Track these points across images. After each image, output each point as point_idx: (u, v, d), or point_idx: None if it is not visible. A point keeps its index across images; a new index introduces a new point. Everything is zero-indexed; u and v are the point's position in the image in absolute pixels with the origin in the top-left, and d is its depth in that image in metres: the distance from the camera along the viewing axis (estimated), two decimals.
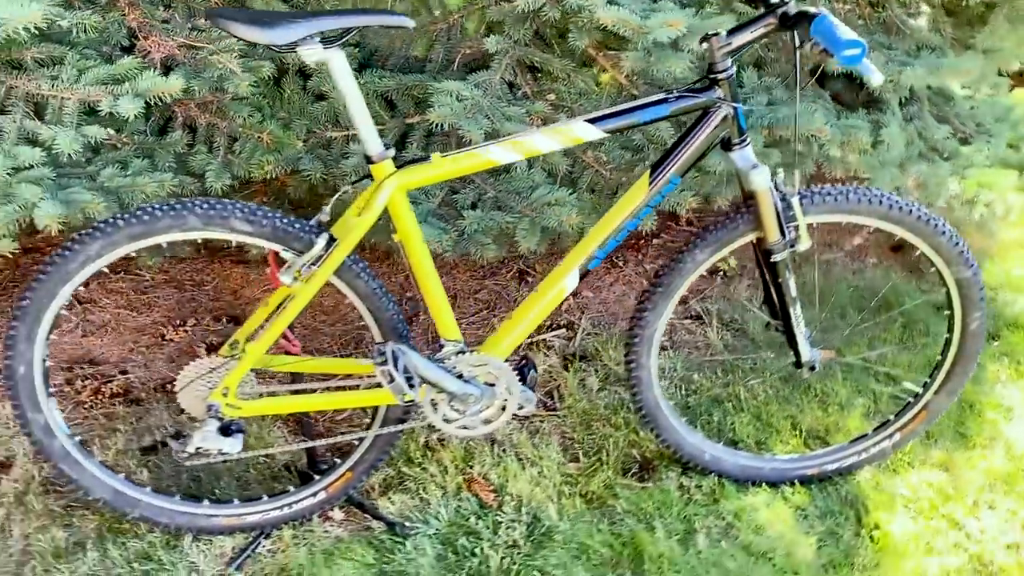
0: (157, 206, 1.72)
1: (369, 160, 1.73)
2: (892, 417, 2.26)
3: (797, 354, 2.05)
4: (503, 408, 1.99)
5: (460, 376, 1.94)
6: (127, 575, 1.96)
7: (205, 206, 1.72)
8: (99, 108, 2.05)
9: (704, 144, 1.82)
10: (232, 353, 1.95)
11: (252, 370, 1.91)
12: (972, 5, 2.69)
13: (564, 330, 2.79)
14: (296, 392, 1.94)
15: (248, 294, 2.87)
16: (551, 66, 2.51)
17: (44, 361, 1.82)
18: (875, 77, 1.48)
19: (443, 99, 2.29)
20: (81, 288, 1.85)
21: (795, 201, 1.84)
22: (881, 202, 1.89)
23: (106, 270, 1.78)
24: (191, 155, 2.35)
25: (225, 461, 2.01)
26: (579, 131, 1.76)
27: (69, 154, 2.01)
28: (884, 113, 2.63)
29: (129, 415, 2.38)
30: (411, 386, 1.81)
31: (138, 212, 1.71)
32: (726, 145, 1.83)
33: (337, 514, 2.16)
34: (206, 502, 2.06)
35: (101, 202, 2.03)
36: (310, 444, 2.09)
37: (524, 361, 2.12)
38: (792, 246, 1.90)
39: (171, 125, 2.40)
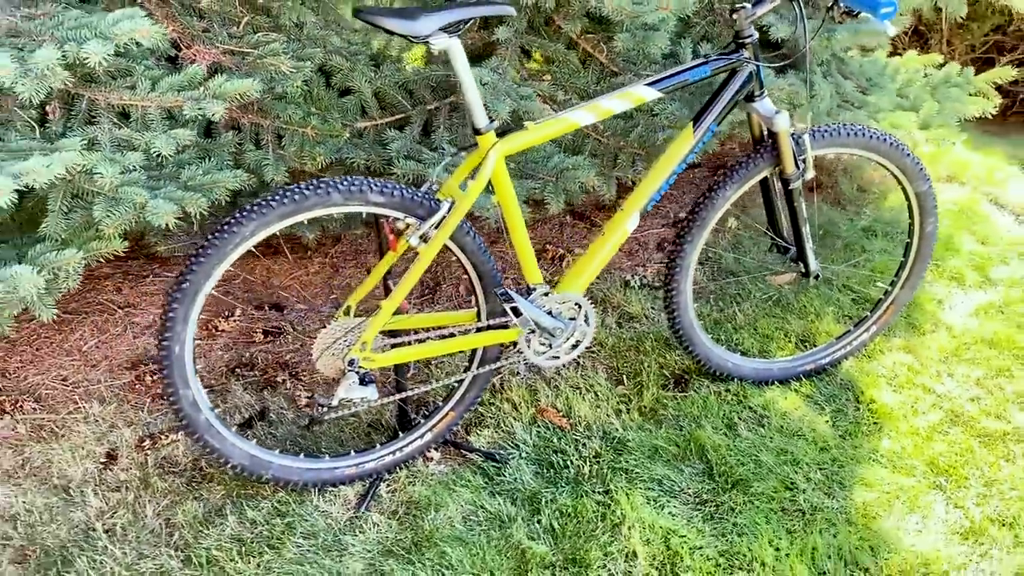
0: (304, 186, 1.95)
1: (477, 131, 2.03)
2: (869, 313, 2.78)
3: (806, 266, 2.52)
4: (583, 336, 2.33)
5: (549, 313, 2.27)
6: (271, 530, 2.17)
7: (345, 183, 1.96)
8: (183, 113, 2.23)
9: (734, 96, 2.23)
10: (348, 316, 2.19)
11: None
12: None
13: None
14: (415, 342, 2.20)
15: (276, 282, 3.06)
16: (546, 50, 2.87)
17: (194, 340, 2.01)
18: (891, 30, 1.94)
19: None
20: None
21: (806, 138, 2.29)
22: (865, 135, 2.38)
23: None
24: (244, 153, 2.55)
25: (353, 413, 2.24)
26: (643, 92, 2.14)
27: (164, 156, 2.19)
28: (812, 73, 3.15)
29: (212, 400, 2.54)
30: (513, 324, 2.13)
31: (287, 192, 1.94)
32: (749, 97, 2.26)
33: (435, 455, 2.44)
34: (327, 457, 2.29)
35: (196, 197, 2.21)
36: (428, 387, 2.34)
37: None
38: (803, 176, 2.35)
39: (214, 127, 2.59)
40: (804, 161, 2.32)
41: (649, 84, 2.14)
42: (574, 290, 2.30)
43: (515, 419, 2.53)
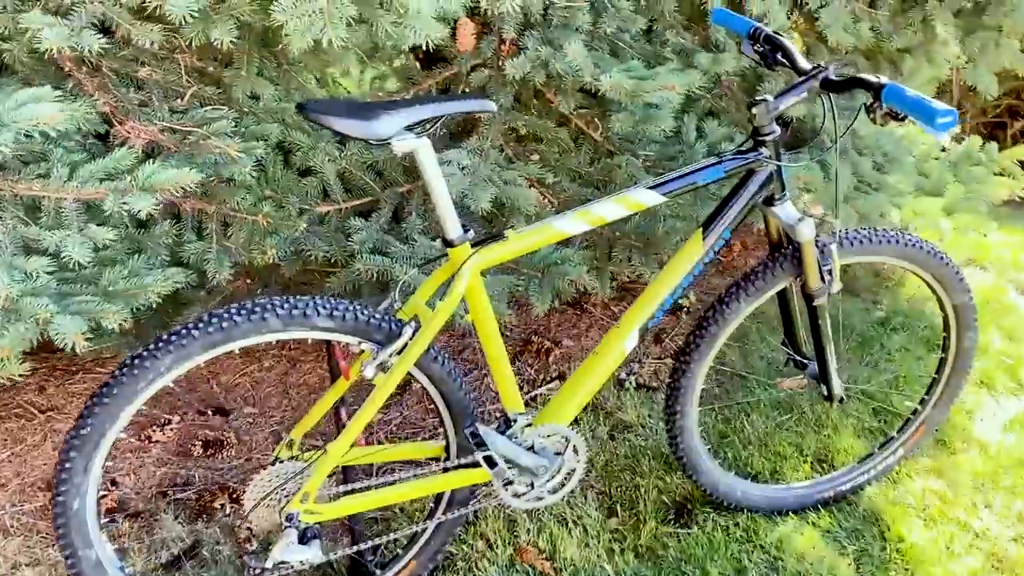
0: (234, 311, 1.61)
1: (449, 244, 1.70)
2: (895, 434, 2.44)
3: (829, 388, 2.18)
4: (571, 473, 1.99)
5: (531, 448, 1.92)
6: None
7: (286, 306, 1.63)
8: (103, 207, 1.90)
9: (751, 200, 1.91)
10: (292, 454, 1.84)
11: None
12: (887, 51, 2.97)
13: (557, 382, 2.82)
14: (372, 487, 1.85)
15: (226, 381, 2.71)
16: (534, 128, 2.55)
17: (98, 492, 1.65)
18: (945, 139, 1.63)
19: (449, 170, 2.28)
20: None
21: (833, 248, 1.96)
22: (899, 241, 2.06)
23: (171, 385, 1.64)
24: (183, 244, 2.21)
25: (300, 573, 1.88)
26: (643, 198, 1.81)
27: (78, 262, 1.85)
28: (825, 152, 2.85)
29: (136, 531, 2.18)
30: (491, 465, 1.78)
31: (213, 319, 1.60)
32: (768, 201, 1.94)
33: None
34: None
35: (115, 309, 1.87)
36: (379, 541, 1.98)
37: None
38: (829, 289, 2.03)
39: (152, 216, 2.25)
40: (830, 272, 2.00)
41: (652, 188, 1.82)
42: (560, 420, 1.96)
43: (489, 561, 2.17)
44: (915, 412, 2.43)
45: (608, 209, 1.80)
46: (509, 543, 2.22)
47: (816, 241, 1.96)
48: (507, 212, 2.39)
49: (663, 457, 2.52)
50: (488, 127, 2.47)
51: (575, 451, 1.97)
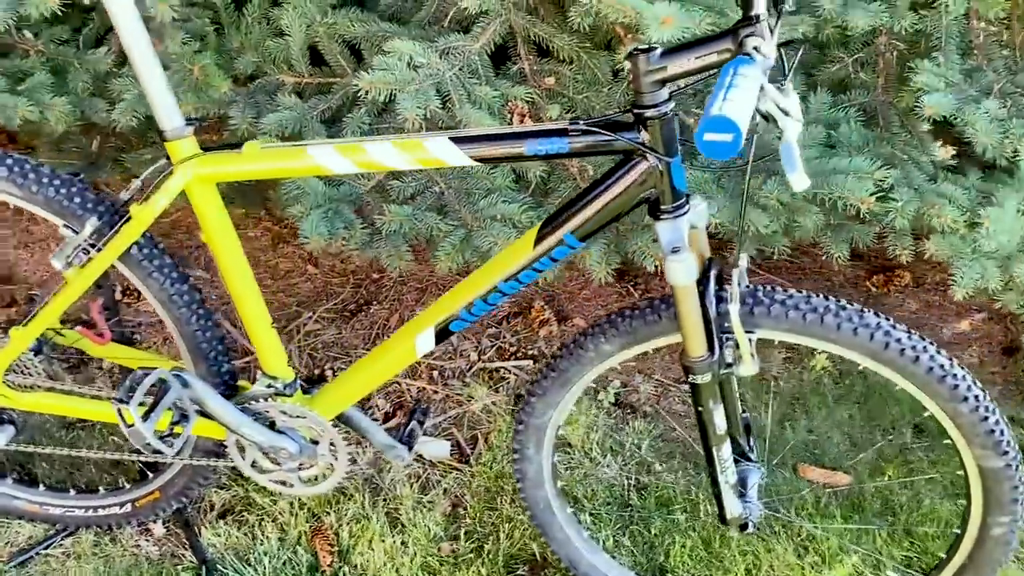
0: None
1: (161, 136, 1.32)
2: None
3: (720, 507, 1.49)
4: (327, 473, 1.57)
5: (271, 425, 1.53)
6: None
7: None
8: None
9: (618, 201, 1.26)
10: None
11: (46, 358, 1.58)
12: None
13: (531, 362, 2.30)
14: (74, 394, 1.59)
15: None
16: (554, 42, 1.97)
17: None
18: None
19: (389, 61, 1.81)
20: None
21: (732, 310, 1.26)
22: (866, 327, 1.28)
23: None
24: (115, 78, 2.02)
25: None
26: (437, 150, 1.26)
27: None
28: (999, 183, 1.91)
29: None
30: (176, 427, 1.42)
31: None
32: (653, 210, 1.27)
33: (159, 529, 1.85)
34: (9, 480, 1.79)
35: None
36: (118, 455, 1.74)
37: (416, 407, 1.70)
38: (728, 366, 1.33)
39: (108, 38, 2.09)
40: (732, 343, 1.30)
41: (454, 139, 1.26)
42: (320, 410, 1.52)
43: (278, 527, 1.84)
44: None
45: (387, 153, 1.28)
46: (311, 520, 1.86)
47: (706, 291, 1.27)
48: None
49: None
50: (485, 25, 1.94)
51: (332, 446, 1.54)
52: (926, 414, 1.36)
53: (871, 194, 1.67)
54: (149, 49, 1.26)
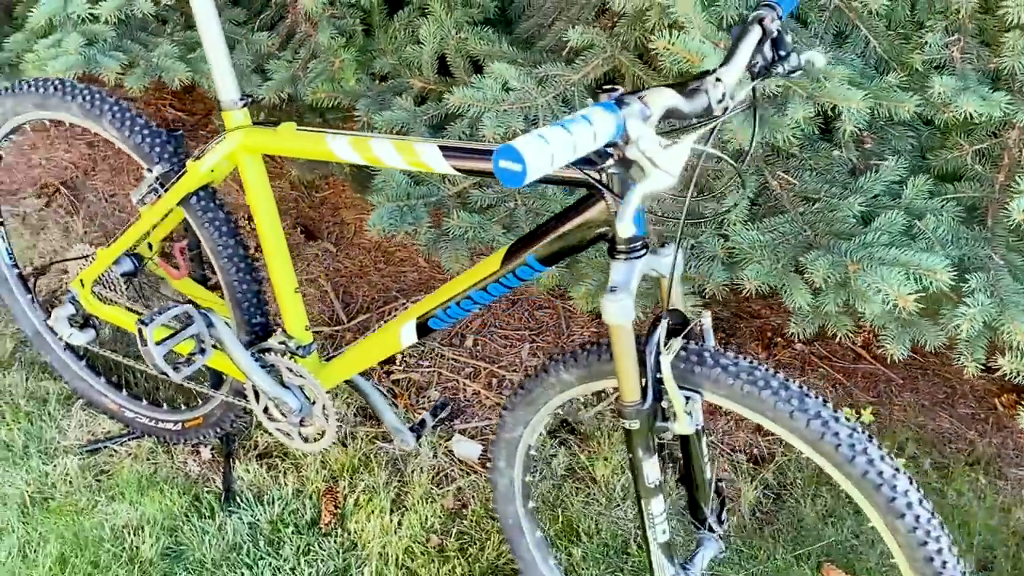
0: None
1: (219, 106, 1.52)
2: None
3: (650, 565, 1.45)
4: (320, 432, 1.72)
5: (281, 382, 1.70)
6: None
7: (88, 94, 1.67)
8: None
9: (576, 235, 1.29)
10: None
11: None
12: None
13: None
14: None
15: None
16: (648, 83, 2.00)
17: None
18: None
19: (485, 82, 1.95)
20: None
21: (664, 360, 1.24)
22: (804, 412, 1.21)
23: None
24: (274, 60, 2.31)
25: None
26: (425, 155, 1.36)
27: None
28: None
29: None
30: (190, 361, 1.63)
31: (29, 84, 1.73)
32: (611, 248, 1.29)
33: (206, 453, 2.09)
34: (103, 379, 2.11)
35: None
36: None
37: (439, 402, 1.83)
38: (662, 419, 1.31)
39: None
40: (664, 396, 1.29)
41: (442, 148, 1.35)
42: (320, 375, 1.67)
43: (299, 479, 2.01)
44: None
45: (386, 150, 1.39)
46: (328, 481, 2.02)
47: (649, 340, 1.26)
48: None
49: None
50: (588, 58, 2.00)
51: (324, 410, 1.68)
52: (870, 524, 1.26)
53: (910, 293, 1.54)
54: (218, 29, 1.47)
